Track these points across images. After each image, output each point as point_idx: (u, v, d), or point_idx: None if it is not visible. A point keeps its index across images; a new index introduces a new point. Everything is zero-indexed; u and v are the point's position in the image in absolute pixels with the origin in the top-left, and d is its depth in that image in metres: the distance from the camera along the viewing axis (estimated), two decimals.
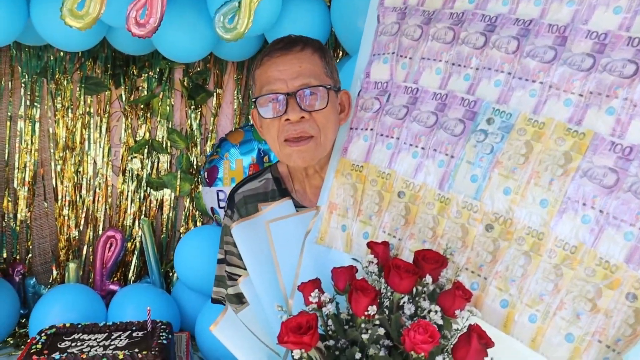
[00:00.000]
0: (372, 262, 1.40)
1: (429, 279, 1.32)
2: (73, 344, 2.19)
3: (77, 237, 3.09)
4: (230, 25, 2.11)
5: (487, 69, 1.47)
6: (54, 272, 3.08)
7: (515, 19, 1.45)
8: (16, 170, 2.98)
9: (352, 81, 1.75)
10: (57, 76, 2.96)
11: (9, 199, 2.98)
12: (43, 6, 2.22)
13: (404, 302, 1.31)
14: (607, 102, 1.29)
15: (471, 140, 1.44)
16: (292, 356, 1.24)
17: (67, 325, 2.34)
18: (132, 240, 3.12)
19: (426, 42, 1.59)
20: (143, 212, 3.12)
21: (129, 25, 2.00)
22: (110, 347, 2.16)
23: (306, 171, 1.73)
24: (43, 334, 2.26)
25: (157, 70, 3.02)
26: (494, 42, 1.47)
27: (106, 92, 3.02)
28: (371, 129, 1.63)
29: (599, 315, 1.24)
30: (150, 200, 3.13)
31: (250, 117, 1.78)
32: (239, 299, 1.79)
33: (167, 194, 3.12)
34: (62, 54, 2.92)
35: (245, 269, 1.73)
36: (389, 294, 1.33)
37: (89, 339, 2.24)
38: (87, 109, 3.03)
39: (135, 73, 3.05)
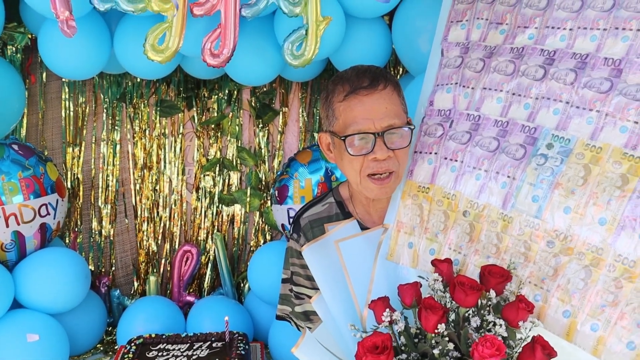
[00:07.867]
0: (437, 280, 1.48)
1: (492, 293, 1.41)
2: (159, 354, 2.33)
3: (155, 251, 3.24)
4: (298, 52, 2.17)
5: (547, 99, 1.56)
6: (135, 284, 3.23)
7: (573, 53, 1.55)
8: (100, 190, 3.15)
9: (416, 108, 1.84)
10: (134, 101, 3.09)
11: (94, 216, 3.16)
12: (125, 41, 2.35)
13: (469, 315, 1.39)
14: None
15: (532, 163, 1.53)
16: None
17: (153, 335, 2.48)
18: (205, 253, 3.25)
19: (488, 74, 1.68)
20: (215, 227, 3.24)
21: (204, 56, 2.09)
22: (193, 357, 2.30)
23: None
24: (132, 344, 2.40)
25: (226, 91, 3.13)
26: (552, 74, 1.56)
27: (179, 114, 3.14)
28: (435, 153, 1.72)
29: None
30: (222, 215, 3.24)
31: (317, 140, 1.85)
32: (306, 317, 1.87)
33: (237, 209, 3.22)
34: (138, 80, 3.05)
35: (312, 288, 1.81)
36: (454, 307, 1.42)
37: (173, 349, 2.37)
38: (162, 131, 3.16)
39: (205, 95, 3.14)
